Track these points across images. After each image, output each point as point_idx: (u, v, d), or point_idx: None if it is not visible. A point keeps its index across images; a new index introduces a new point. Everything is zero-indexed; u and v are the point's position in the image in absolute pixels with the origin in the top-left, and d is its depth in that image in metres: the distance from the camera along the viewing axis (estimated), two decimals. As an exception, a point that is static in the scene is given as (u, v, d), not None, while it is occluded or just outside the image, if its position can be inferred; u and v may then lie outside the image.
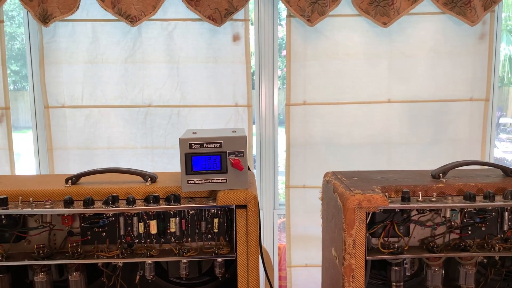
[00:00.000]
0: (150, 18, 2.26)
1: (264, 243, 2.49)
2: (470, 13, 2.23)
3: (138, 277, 1.42)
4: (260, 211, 2.59)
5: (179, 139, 1.26)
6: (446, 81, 2.41)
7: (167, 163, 2.48)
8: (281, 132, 2.54)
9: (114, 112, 2.44)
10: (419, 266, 1.42)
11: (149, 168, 2.14)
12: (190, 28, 2.38)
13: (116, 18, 2.24)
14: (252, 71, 2.48)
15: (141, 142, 2.47)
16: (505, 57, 7.67)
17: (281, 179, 2.60)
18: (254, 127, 2.53)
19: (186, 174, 1.26)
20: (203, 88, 2.43)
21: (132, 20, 2.24)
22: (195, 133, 1.33)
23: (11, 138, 2.41)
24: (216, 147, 1.26)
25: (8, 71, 2.37)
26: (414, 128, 2.46)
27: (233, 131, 1.34)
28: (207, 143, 1.25)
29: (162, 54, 2.40)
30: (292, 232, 2.50)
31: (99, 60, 2.39)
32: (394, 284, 1.33)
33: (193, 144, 1.25)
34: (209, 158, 1.26)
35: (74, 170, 2.41)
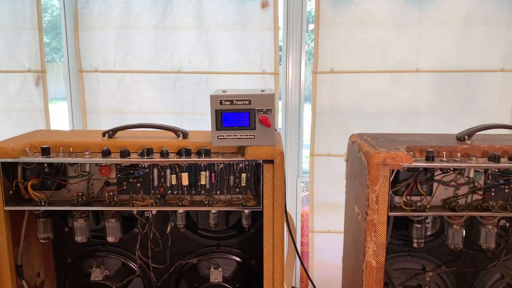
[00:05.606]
0: (181, -17, 2.30)
1: (287, 210, 2.55)
2: (506, -20, 2.17)
3: (169, 228, 1.51)
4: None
5: (210, 95, 1.31)
6: (476, 51, 2.37)
7: (196, 128, 2.54)
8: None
9: (145, 78, 2.51)
10: (440, 227, 1.46)
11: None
12: (219, -6, 2.40)
13: (148, -17, 2.29)
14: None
15: (171, 107, 2.54)
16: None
17: (306, 152, 2.63)
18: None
19: (216, 129, 1.32)
20: (231, 55, 2.47)
21: (164, -15, 2.27)
22: (225, 91, 1.38)
23: (47, 101, 2.51)
24: (245, 104, 1.30)
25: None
26: (442, 98, 2.43)
27: (261, 90, 1.38)
28: (236, 100, 1.30)
29: (191, 20, 2.43)
30: (315, 199, 2.55)
31: (131, 26, 2.44)
32: (415, 240, 1.37)
33: (223, 101, 1.30)
34: (238, 114, 1.31)
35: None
